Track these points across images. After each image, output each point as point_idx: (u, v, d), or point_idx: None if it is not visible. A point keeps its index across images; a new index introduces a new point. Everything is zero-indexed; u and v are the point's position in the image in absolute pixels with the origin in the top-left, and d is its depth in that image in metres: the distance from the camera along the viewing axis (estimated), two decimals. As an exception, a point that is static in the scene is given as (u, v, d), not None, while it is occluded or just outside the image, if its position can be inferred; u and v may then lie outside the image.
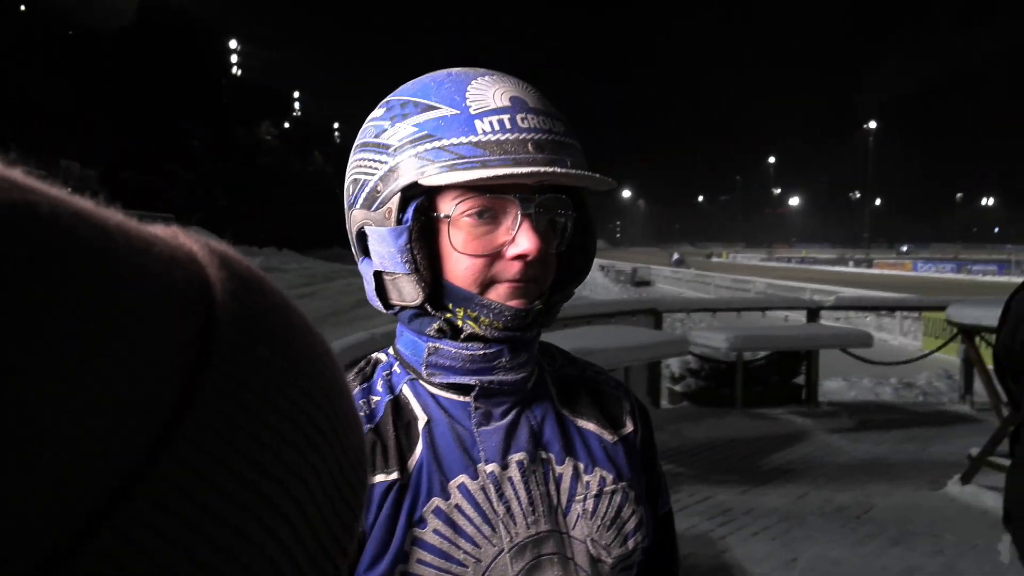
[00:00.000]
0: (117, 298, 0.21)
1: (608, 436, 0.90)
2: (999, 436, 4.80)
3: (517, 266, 0.78)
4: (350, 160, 0.86)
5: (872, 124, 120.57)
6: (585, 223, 0.86)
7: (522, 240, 0.77)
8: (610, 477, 0.87)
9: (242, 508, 0.22)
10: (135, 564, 0.20)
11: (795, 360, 7.35)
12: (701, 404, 7.12)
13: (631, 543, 0.86)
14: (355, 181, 0.83)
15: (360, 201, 0.82)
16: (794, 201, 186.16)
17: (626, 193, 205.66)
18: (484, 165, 0.75)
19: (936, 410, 7.49)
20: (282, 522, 0.23)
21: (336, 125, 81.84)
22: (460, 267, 0.79)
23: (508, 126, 0.76)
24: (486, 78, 0.81)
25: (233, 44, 56.73)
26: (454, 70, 0.83)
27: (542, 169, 0.75)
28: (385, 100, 0.85)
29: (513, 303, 0.80)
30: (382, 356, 0.90)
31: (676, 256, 62.86)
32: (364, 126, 0.85)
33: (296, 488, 0.24)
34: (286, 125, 66.25)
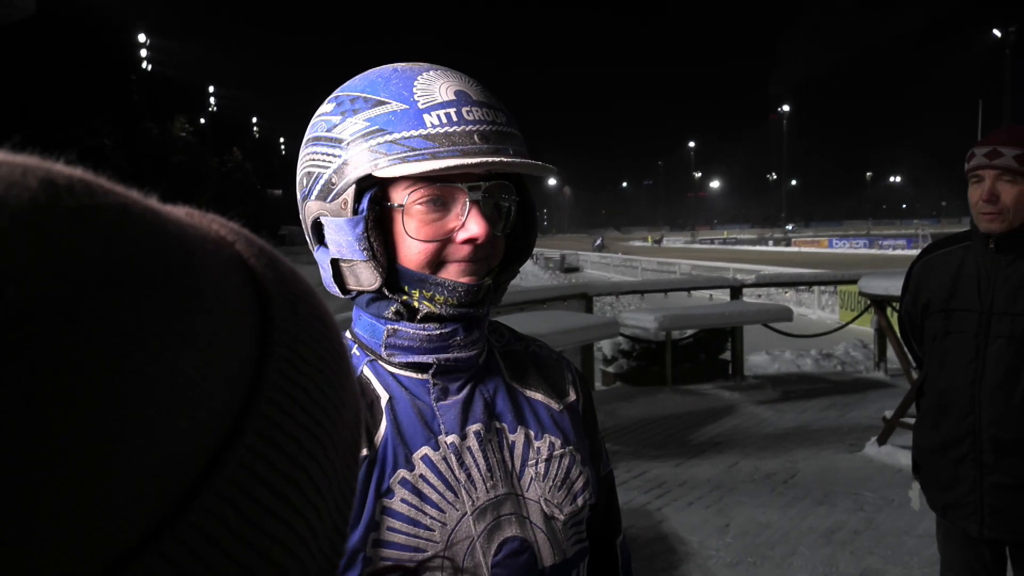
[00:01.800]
0: (202, 290, 0.26)
1: (554, 405, 0.97)
2: (910, 398, 5.11)
3: (467, 249, 0.84)
4: (301, 154, 0.90)
5: (785, 108, 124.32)
6: (527, 207, 0.93)
7: (471, 225, 0.83)
8: (558, 442, 0.94)
9: (300, 484, 0.27)
10: (237, 516, 0.25)
11: (721, 337, 7.62)
12: (634, 384, 7.31)
13: (580, 501, 0.93)
14: (309, 174, 0.87)
15: (315, 193, 0.86)
16: (714, 184, 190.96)
17: (551, 181, 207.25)
18: (434, 156, 0.79)
19: (853, 378, 7.89)
20: (326, 491, 0.29)
21: (255, 120, 79.83)
22: (413, 251, 0.84)
23: (455, 119, 0.81)
24: (431, 73, 0.85)
25: (142, 38, 54.62)
26: (399, 65, 0.88)
27: (488, 160, 0.80)
28: (333, 95, 0.89)
29: (465, 280, 0.85)
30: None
31: (598, 240, 64.24)
32: (313, 121, 0.89)
33: (333, 458, 0.29)
34: (202, 121, 64.24)
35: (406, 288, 0.86)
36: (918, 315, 2.16)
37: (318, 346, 0.30)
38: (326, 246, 0.88)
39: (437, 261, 0.85)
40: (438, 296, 0.85)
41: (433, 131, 0.81)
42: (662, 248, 61.76)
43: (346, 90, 0.88)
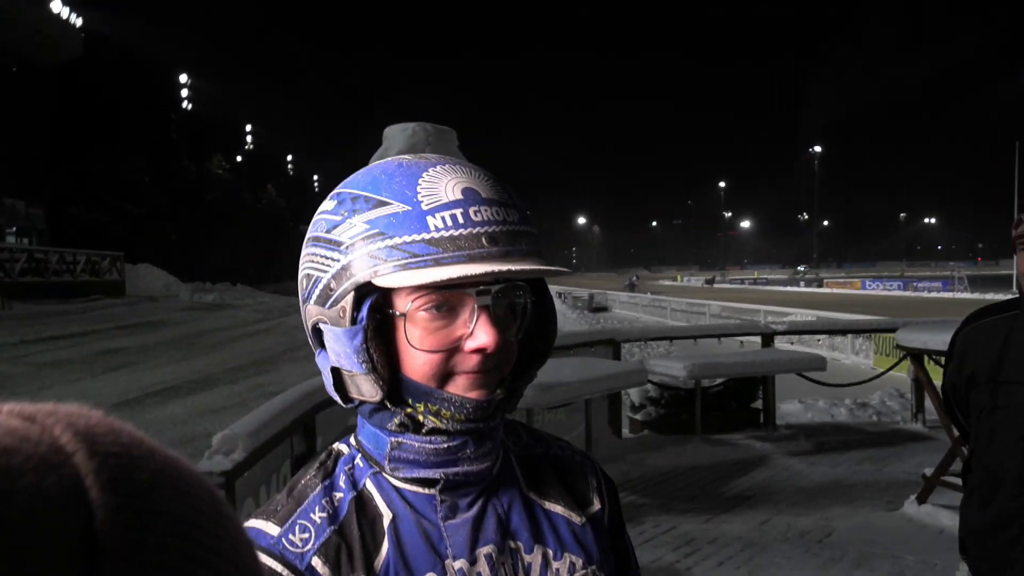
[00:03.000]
0: None
1: (576, 518, 0.89)
2: (951, 456, 4.93)
3: (476, 359, 0.77)
4: (303, 253, 0.84)
5: (817, 148, 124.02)
6: (544, 305, 0.86)
7: (480, 334, 0.76)
8: (579, 562, 0.86)
9: None
10: None
11: (752, 385, 7.46)
12: (662, 432, 7.17)
13: None
14: (308, 276, 0.81)
15: (314, 297, 0.80)
16: (745, 224, 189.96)
17: (581, 220, 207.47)
18: (438, 263, 0.74)
19: (890, 429, 7.66)
20: None
21: (290, 157, 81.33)
22: (418, 363, 0.77)
23: (461, 220, 0.75)
24: (437, 168, 0.79)
25: (183, 78, 56.08)
26: (404, 159, 0.82)
27: (496, 268, 0.73)
28: (336, 192, 0.83)
29: (473, 395, 0.78)
30: (344, 448, 0.88)
31: (630, 280, 62.95)
32: (315, 219, 0.83)
33: None
34: (238, 158, 65.56)
35: (410, 400, 0.79)
36: (963, 386, 2.06)
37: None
38: (327, 351, 0.82)
39: (444, 372, 0.78)
40: (444, 411, 0.78)
41: (437, 235, 0.74)
42: (688, 287, 61.23)
43: (348, 186, 0.81)
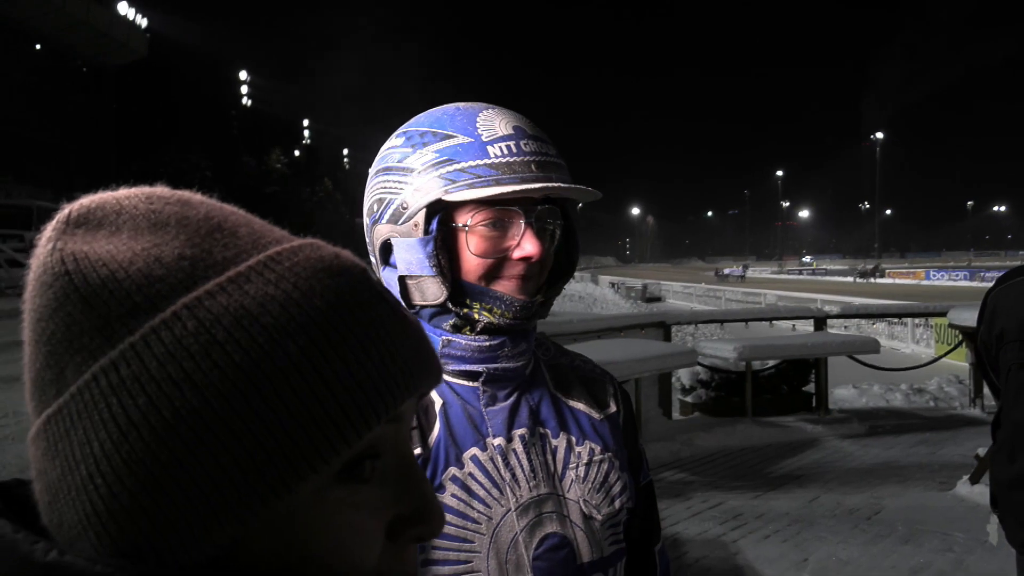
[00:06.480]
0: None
1: (595, 414, 1.05)
2: (1004, 435, 4.88)
3: (521, 266, 0.94)
4: (371, 183, 1.01)
5: (879, 135, 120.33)
6: (570, 230, 1.03)
7: (527, 244, 0.93)
8: (598, 448, 1.02)
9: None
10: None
11: (804, 368, 7.44)
12: (712, 414, 7.21)
13: (617, 503, 1.01)
14: (380, 200, 0.98)
15: (386, 217, 0.97)
16: (803, 213, 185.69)
17: (635, 210, 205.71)
18: (498, 183, 0.90)
19: (947, 415, 7.55)
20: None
21: (345, 152, 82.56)
22: (473, 265, 0.94)
23: (514, 150, 0.92)
24: (490, 111, 0.97)
25: (243, 75, 57.48)
26: (460, 104, 0.99)
27: (547, 185, 0.91)
28: (402, 130, 1.00)
29: (520, 296, 0.95)
30: None
31: (731, 271, 54.54)
32: (382, 154, 1.01)
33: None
34: (296, 153, 66.86)
35: (467, 301, 0.95)
36: (993, 345, 2.12)
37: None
38: (392, 266, 0.98)
39: (494, 276, 0.95)
40: (496, 309, 0.95)
41: (496, 161, 0.91)
42: (747, 279, 59.07)
43: (414, 126, 0.99)
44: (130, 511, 0.35)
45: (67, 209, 0.42)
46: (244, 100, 57.50)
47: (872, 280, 52.54)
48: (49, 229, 0.41)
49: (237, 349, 0.36)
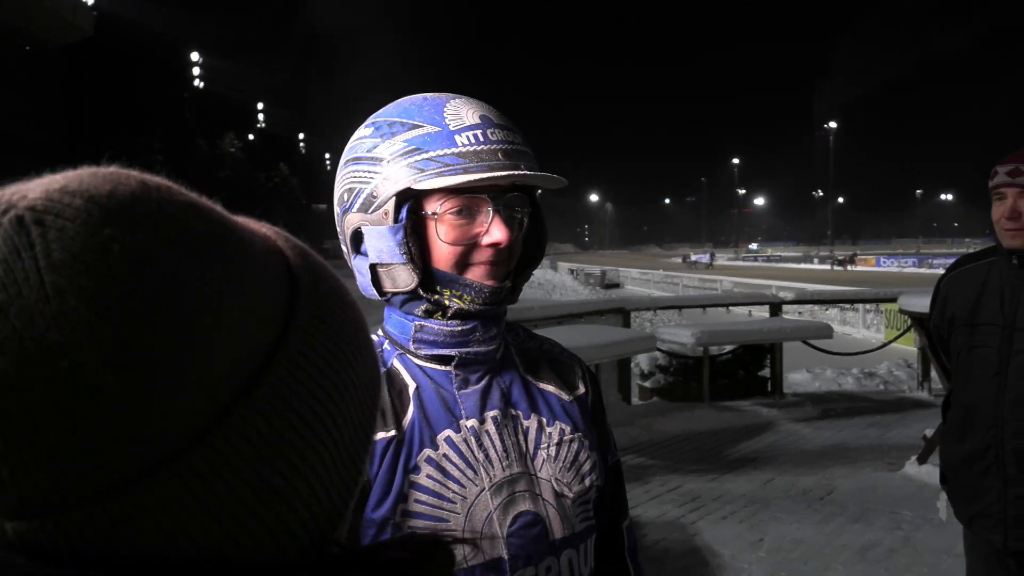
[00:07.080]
0: (246, 257, 0.38)
1: (565, 396, 1.08)
2: (951, 417, 5.04)
3: (490, 252, 0.96)
4: (340, 173, 1.02)
5: (832, 124, 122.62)
6: (538, 218, 1.05)
7: (495, 231, 0.95)
8: (568, 428, 1.05)
9: (325, 407, 0.38)
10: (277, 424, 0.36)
11: (760, 353, 7.59)
12: (670, 399, 7.32)
13: (587, 481, 1.04)
14: (350, 190, 0.99)
15: (356, 206, 0.98)
16: (759, 201, 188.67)
17: (593, 197, 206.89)
18: (466, 171, 0.92)
19: (896, 398, 7.78)
20: (343, 422, 0.39)
21: (301, 136, 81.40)
22: (443, 253, 0.96)
23: (481, 139, 0.94)
24: (457, 100, 0.98)
25: (195, 56, 56.17)
26: (428, 95, 1.01)
27: (514, 172, 0.93)
28: (370, 121, 1.01)
29: (489, 282, 0.97)
30: (373, 336, 1.06)
31: (697, 257, 55.15)
32: (352, 144, 1.02)
33: (347, 403, 0.40)
34: (250, 137, 65.74)
35: (438, 288, 0.97)
36: (945, 329, 2.19)
37: (335, 312, 0.41)
38: (363, 254, 1.00)
39: (463, 263, 0.97)
40: (465, 295, 0.97)
41: (463, 149, 0.93)
42: (699, 265, 59.78)
43: (382, 116, 1.00)
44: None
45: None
46: (196, 82, 56.23)
47: (849, 268, 55.24)
48: None
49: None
